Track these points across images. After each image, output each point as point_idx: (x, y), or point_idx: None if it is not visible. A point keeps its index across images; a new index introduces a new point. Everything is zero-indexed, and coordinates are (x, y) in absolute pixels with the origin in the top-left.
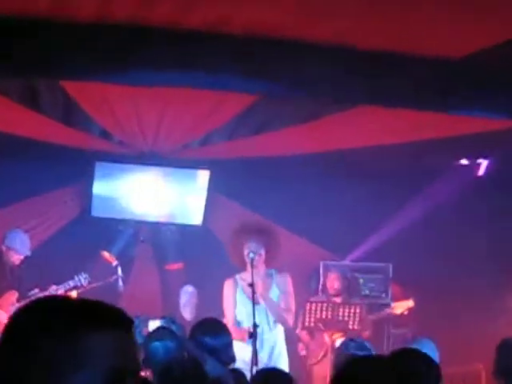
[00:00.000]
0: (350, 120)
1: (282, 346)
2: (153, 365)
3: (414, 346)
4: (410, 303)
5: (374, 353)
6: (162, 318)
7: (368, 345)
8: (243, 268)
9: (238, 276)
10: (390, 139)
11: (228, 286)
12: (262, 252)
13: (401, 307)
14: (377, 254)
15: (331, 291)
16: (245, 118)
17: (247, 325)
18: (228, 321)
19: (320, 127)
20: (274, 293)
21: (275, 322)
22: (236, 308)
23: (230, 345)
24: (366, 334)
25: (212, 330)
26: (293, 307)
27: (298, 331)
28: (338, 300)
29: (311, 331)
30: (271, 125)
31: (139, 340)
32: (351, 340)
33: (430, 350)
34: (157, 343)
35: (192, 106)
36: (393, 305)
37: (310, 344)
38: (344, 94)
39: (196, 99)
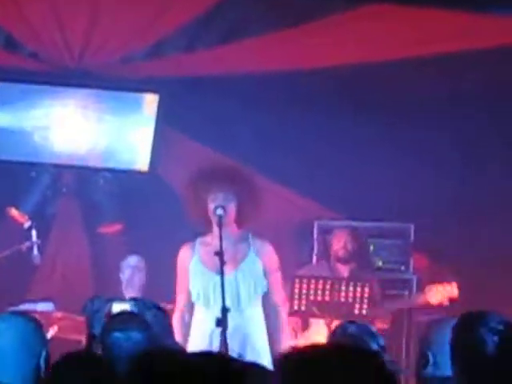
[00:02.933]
0: (356, 23)
1: (260, 333)
2: (112, 362)
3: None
4: (452, 290)
5: (381, 340)
6: (133, 299)
7: (374, 330)
8: (208, 229)
9: (198, 240)
10: (411, 51)
11: (182, 254)
12: (233, 207)
13: (438, 294)
14: (392, 212)
15: (337, 256)
16: (208, 21)
17: (202, 306)
18: (179, 301)
19: (312, 33)
20: (252, 262)
21: (250, 300)
22: (190, 283)
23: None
24: (382, 324)
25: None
26: (281, 287)
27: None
28: (345, 270)
29: (304, 318)
30: (244, 30)
31: (97, 329)
32: (351, 322)
33: None
34: (118, 334)
35: (134, 3)
36: (427, 289)
37: (303, 334)
38: None
39: None
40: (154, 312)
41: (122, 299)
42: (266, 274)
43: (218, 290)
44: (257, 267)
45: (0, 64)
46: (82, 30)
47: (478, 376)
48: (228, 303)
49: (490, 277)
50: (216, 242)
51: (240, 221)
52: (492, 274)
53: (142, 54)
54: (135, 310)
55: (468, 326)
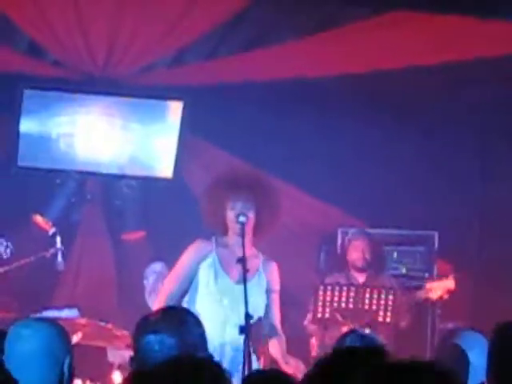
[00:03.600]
0: (379, 30)
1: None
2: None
3: (457, 342)
4: (449, 283)
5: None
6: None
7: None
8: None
9: (214, 238)
10: (438, 57)
11: (202, 244)
12: (253, 215)
13: (436, 289)
14: (417, 220)
15: (354, 265)
16: (232, 29)
17: (212, 310)
18: (162, 295)
19: (335, 40)
20: (261, 277)
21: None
22: (203, 277)
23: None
24: (403, 324)
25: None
26: (278, 308)
27: (306, 324)
28: (362, 278)
29: (325, 326)
30: (267, 38)
31: None
32: (353, 332)
33: (478, 346)
34: (151, 337)
35: (157, 11)
36: (427, 286)
37: (324, 339)
38: None
39: (162, 1)
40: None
41: None
42: (267, 291)
43: (235, 297)
44: (263, 283)
45: (24, 71)
46: (106, 37)
47: None
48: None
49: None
50: (233, 248)
51: (257, 230)
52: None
53: (165, 62)
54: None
55: (505, 335)
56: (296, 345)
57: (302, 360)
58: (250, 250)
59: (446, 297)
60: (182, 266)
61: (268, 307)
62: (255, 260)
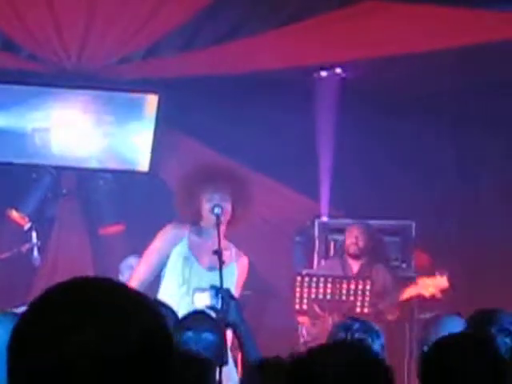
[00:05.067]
0: (355, 20)
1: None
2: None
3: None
4: (443, 282)
5: (383, 340)
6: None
7: (377, 329)
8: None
9: (188, 225)
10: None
11: (173, 228)
12: (229, 207)
13: (429, 286)
14: (394, 210)
15: (347, 251)
16: (207, 20)
17: (177, 295)
18: (134, 282)
19: (313, 30)
20: (232, 268)
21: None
22: (173, 263)
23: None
24: (390, 317)
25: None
26: None
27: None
28: (356, 265)
29: (309, 315)
30: (244, 28)
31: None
32: (354, 319)
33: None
34: (190, 333)
35: (131, 3)
36: (420, 282)
37: (311, 330)
38: None
39: None
40: (232, 303)
41: (202, 288)
42: (235, 284)
43: (204, 285)
44: (234, 275)
45: None
46: (79, 31)
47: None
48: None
49: (491, 273)
50: (207, 239)
51: (230, 222)
52: (493, 271)
53: (140, 55)
54: (216, 299)
55: (479, 325)
56: (279, 335)
57: (287, 350)
58: (223, 242)
59: (439, 296)
60: (153, 252)
61: None
62: (226, 252)
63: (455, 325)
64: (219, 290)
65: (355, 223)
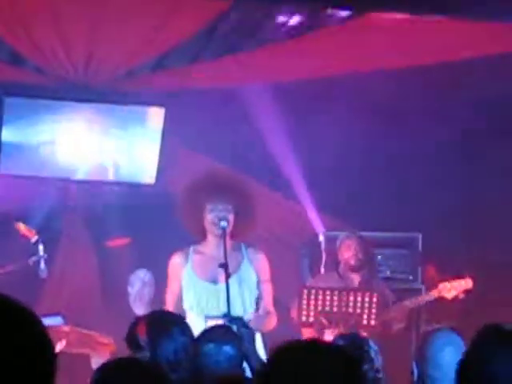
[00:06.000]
0: (351, 35)
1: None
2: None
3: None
4: (468, 283)
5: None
6: (226, 316)
7: (367, 346)
8: (201, 239)
9: (191, 248)
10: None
11: (174, 261)
12: (232, 218)
13: (452, 289)
14: (400, 222)
15: (348, 264)
16: (212, 32)
17: (196, 315)
18: (169, 308)
19: (315, 43)
20: (247, 271)
21: (245, 309)
22: (183, 291)
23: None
24: (395, 328)
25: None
26: (271, 297)
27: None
28: (357, 278)
29: (316, 328)
30: (250, 41)
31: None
32: (343, 337)
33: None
34: (211, 345)
35: (137, 16)
36: (440, 286)
37: None
38: None
39: (143, 4)
40: (245, 332)
41: (215, 316)
42: (258, 283)
43: (213, 299)
44: (251, 276)
45: (5, 79)
46: (85, 44)
47: None
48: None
49: (498, 285)
50: (212, 251)
51: (235, 233)
52: (500, 283)
53: (146, 68)
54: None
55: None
56: None
57: None
58: (230, 246)
59: (461, 296)
60: (171, 284)
61: (259, 299)
62: (236, 254)
63: (446, 341)
64: (232, 320)
65: (349, 236)
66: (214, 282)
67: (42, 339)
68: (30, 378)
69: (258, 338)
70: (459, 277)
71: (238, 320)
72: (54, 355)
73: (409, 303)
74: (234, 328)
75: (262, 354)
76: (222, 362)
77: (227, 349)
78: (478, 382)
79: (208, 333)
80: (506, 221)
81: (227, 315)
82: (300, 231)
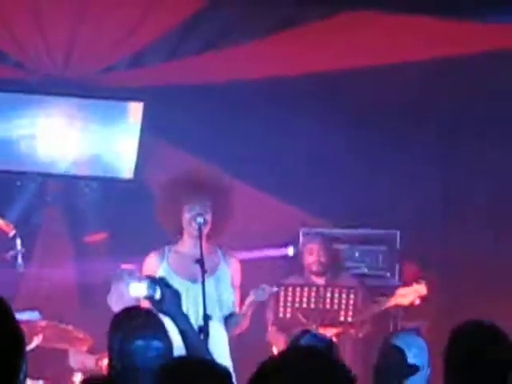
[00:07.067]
0: (334, 31)
1: (224, 342)
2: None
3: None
4: (421, 289)
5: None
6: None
7: (330, 342)
8: (178, 238)
9: (167, 247)
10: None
11: (150, 260)
12: (209, 218)
13: (407, 295)
14: (379, 219)
15: (310, 269)
16: (190, 29)
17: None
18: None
19: (294, 40)
20: (224, 272)
21: (222, 308)
22: None
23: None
24: (365, 328)
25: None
26: (240, 303)
27: (269, 330)
28: (321, 282)
29: (287, 326)
30: (229, 37)
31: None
32: (305, 332)
33: (415, 347)
34: (140, 342)
35: (117, 12)
36: (398, 291)
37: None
38: None
39: (122, 2)
40: (168, 291)
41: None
42: (232, 286)
43: (191, 297)
44: (227, 277)
45: None
46: (65, 39)
47: None
48: (201, 310)
49: (476, 282)
50: (189, 250)
51: (213, 231)
52: (478, 279)
53: (125, 63)
54: (152, 288)
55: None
56: (258, 350)
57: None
58: (207, 249)
59: (417, 302)
60: None
61: (234, 301)
62: (212, 257)
63: (407, 342)
64: (155, 280)
65: (311, 238)
66: (192, 280)
67: (8, 326)
68: None
69: (225, 341)
70: (416, 282)
71: (160, 280)
72: (22, 343)
73: (368, 311)
74: (157, 288)
75: (227, 356)
76: (152, 358)
77: (155, 344)
78: (467, 373)
79: (135, 330)
80: (483, 218)
81: (150, 276)
82: (279, 228)
